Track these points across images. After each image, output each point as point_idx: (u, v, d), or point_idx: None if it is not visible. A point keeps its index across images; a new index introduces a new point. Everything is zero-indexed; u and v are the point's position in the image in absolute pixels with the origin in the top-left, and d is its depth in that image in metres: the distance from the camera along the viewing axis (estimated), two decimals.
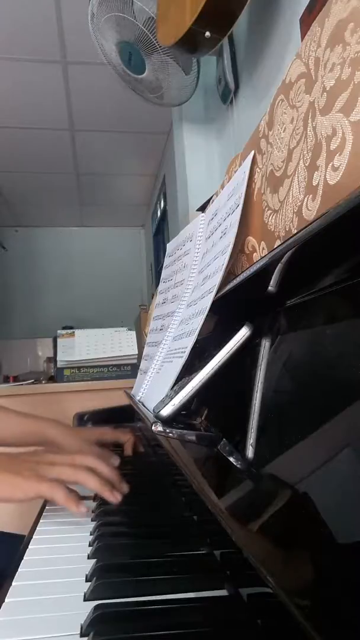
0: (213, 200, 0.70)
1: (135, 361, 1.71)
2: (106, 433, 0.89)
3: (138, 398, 0.70)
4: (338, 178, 0.32)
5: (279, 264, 0.32)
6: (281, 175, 0.43)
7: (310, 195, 0.37)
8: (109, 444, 0.89)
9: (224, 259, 0.49)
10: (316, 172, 0.36)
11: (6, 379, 3.09)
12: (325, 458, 0.25)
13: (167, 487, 0.69)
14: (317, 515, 0.23)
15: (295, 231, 0.38)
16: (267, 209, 0.46)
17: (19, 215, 4.18)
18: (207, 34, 1.14)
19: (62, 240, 4.50)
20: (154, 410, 0.48)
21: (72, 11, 1.92)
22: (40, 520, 0.61)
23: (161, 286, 0.84)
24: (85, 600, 0.39)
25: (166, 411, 0.42)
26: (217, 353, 0.41)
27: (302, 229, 0.29)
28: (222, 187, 0.66)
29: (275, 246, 0.44)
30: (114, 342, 1.75)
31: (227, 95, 1.56)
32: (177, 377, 0.50)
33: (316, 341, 0.31)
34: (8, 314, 4.30)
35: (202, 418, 0.49)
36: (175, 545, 0.48)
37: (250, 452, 0.35)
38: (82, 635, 0.34)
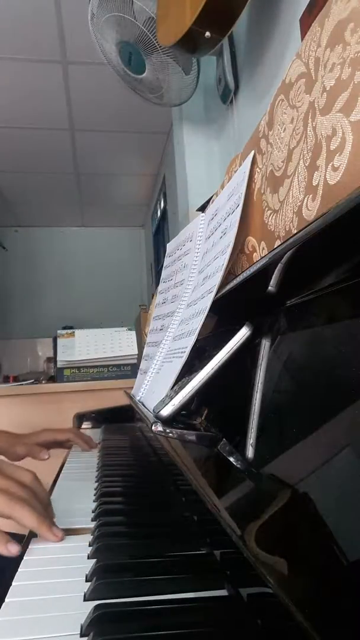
0: (213, 200, 0.70)
1: (135, 361, 1.71)
2: (43, 435, 0.93)
3: (138, 398, 0.70)
4: (338, 178, 0.32)
5: (279, 264, 0.33)
6: (281, 175, 0.43)
7: (310, 195, 0.37)
8: (50, 444, 0.94)
9: (224, 259, 0.49)
10: (316, 172, 0.36)
11: (6, 379, 3.09)
12: (325, 458, 0.25)
13: (167, 487, 0.69)
14: (317, 515, 0.23)
15: (295, 231, 0.38)
16: (267, 209, 0.46)
17: (19, 215, 4.18)
18: (207, 34, 1.14)
19: (62, 240, 4.50)
20: (154, 410, 0.48)
21: (72, 11, 1.92)
22: None
23: (161, 286, 0.84)
24: (85, 600, 0.39)
25: (166, 411, 0.42)
26: (217, 353, 0.41)
27: (302, 229, 0.29)
28: (222, 187, 0.66)
29: (275, 246, 0.44)
30: (114, 342, 1.75)
31: (227, 95, 1.56)
32: (177, 377, 0.50)
33: (316, 341, 0.31)
34: (8, 314, 4.30)
35: (202, 418, 0.49)
36: (175, 545, 0.48)
37: (250, 452, 0.35)
38: (82, 635, 0.34)
